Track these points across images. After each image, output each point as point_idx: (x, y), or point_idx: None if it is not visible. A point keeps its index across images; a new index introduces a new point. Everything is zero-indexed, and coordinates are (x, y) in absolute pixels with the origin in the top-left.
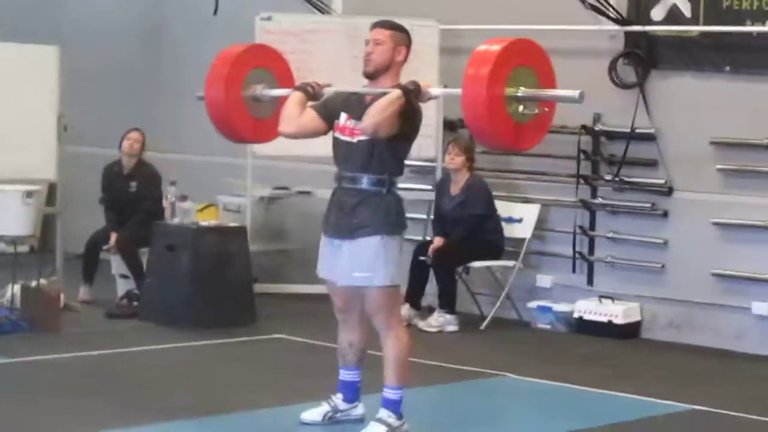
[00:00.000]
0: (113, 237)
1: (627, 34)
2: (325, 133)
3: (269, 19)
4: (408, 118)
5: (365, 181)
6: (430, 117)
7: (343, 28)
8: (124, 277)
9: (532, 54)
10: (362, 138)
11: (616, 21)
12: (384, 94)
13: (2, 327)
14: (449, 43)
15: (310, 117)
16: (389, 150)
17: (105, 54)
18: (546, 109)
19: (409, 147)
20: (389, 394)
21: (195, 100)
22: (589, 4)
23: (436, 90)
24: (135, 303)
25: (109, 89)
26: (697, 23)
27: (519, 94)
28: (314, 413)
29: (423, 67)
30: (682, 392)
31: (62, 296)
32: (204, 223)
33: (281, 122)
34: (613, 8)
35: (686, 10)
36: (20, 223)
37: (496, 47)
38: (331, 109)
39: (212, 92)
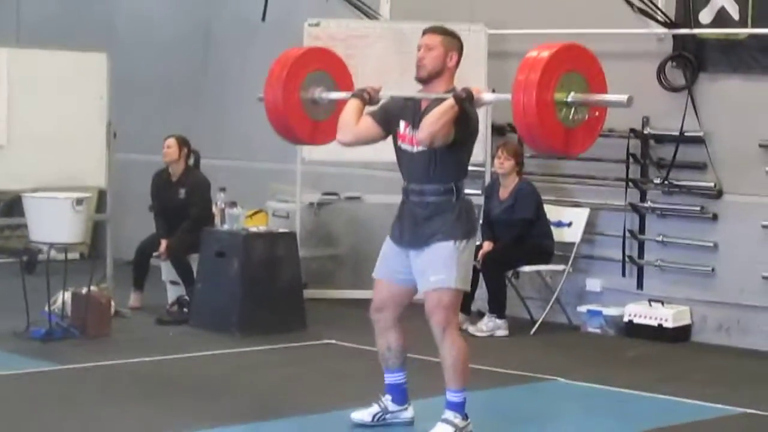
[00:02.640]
0: (163, 244)
1: (675, 37)
2: (383, 139)
3: (317, 24)
4: (463, 124)
5: (433, 192)
6: (479, 121)
7: (390, 33)
8: (174, 283)
9: (582, 59)
10: (422, 148)
11: (664, 24)
12: (439, 99)
13: (53, 333)
14: (497, 47)
15: (368, 125)
16: (450, 156)
17: (153, 60)
18: (596, 114)
19: (469, 151)
20: (452, 396)
21: (243, 105)
22: (638, 7)
23: (488, 96)
24: (185, 309)
25: (158, 96)
26: (745, 26)
27: (568, 100)
28: (364, 413)
29: (471, 71)
30: (732, 396)
31: (112, 303)
32: (253, 229)
33: (339, 131)
34: (662, 11)
35: (734, 13)
36: (70, 230)
37: (545, 53)
38: (388, 115)
39: (271, 94)
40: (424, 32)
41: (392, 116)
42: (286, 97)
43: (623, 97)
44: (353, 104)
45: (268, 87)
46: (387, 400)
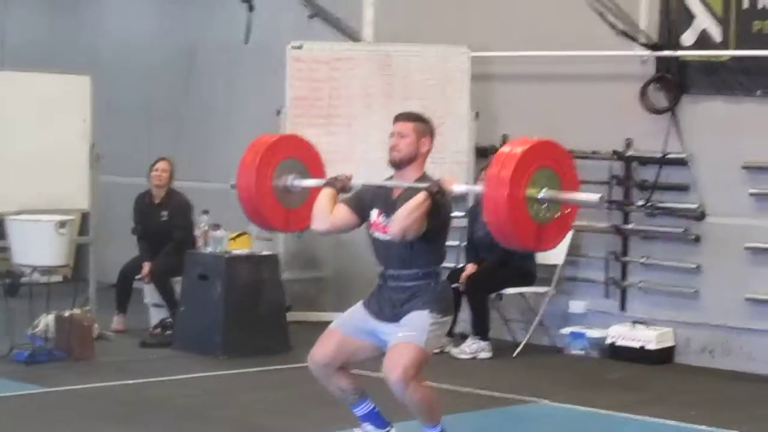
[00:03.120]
0: (146, 266)
1: (658, 59)
2: (358, 227)
3: (300, 47)
4: (435, 216)
5: (411, 278)
6: (462, 144)
7: (374, 55)
8: (157, 306)
9: (555, 155)
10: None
11: (646, 46)
12: (413, 188)
13: (37, 356)
14: (481, 69)
15: (342, 213)
16: (425, 244)
17: (137, 83)
18: (567, 211)
19: (443, 238)
20: (429, 430)
21: (226, 128)
22: (620, 29)
23: (459, 187)
24: (168, 332)
25: (141, 118)
26: (727, 47)
27: (540, 196)
28: None
29: (455, 93)
30: (716, 417)
31: (96, 326)
32: (236, 252)
33: (313, 219)
34: (644, 33)
35: (717, 35)
36: (54, 253)
37: (518, 149)
38: (362, 203)
39: (243, 182)
40: (396, 119)
41: (365, 204)
42: (258, 185)
43: (595, 197)
44: (326, 193)
45: (240, 175)
46: (367, 426)
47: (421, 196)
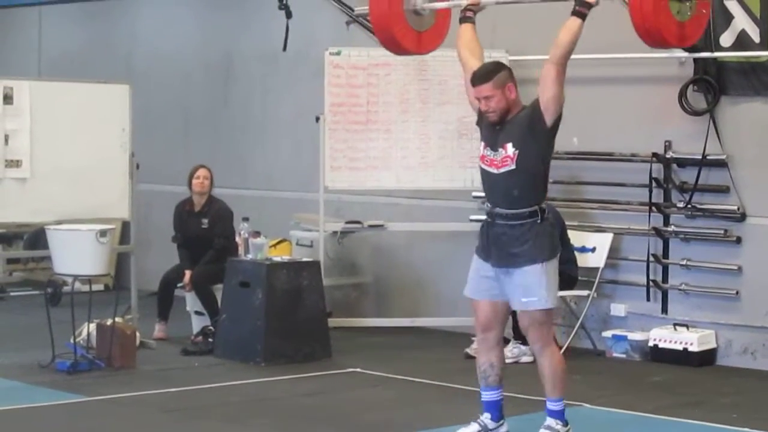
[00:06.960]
0: (187, 275)
1: (696, 60)
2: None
3: (338, 53)
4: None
5: (519, 217)
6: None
7: (411, 60)
8: (198, 314)
9: None
10: (506, 169)
11: (685, 48)
12: (516, 117)
13: (79, 365)
14: (519, 73)
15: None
16: (531, 176)
17: (175, 91)
18: (704, 11)
19: (548, 163)
20: (552, 405)
21: (265, 135)
22: None
23: None
24: (210, 339)
25: (178, 127)
26: (766, 48)
27: None
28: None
29: None
30: (758, 419)
31: (137, 334)
32: (277, 259)
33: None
34: None
35: (755, 36)
36: (95, 262)
37: None
38: (481, 121)
39: (375, 11)
40: (473, 84)
41: (481, 125)
42: (389, 10)
43: None
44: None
45: (372, 5)
46: (486, 418)
47: (569, 22)
